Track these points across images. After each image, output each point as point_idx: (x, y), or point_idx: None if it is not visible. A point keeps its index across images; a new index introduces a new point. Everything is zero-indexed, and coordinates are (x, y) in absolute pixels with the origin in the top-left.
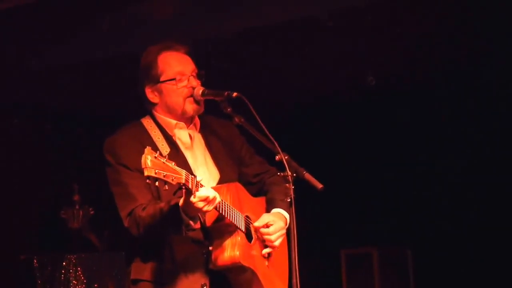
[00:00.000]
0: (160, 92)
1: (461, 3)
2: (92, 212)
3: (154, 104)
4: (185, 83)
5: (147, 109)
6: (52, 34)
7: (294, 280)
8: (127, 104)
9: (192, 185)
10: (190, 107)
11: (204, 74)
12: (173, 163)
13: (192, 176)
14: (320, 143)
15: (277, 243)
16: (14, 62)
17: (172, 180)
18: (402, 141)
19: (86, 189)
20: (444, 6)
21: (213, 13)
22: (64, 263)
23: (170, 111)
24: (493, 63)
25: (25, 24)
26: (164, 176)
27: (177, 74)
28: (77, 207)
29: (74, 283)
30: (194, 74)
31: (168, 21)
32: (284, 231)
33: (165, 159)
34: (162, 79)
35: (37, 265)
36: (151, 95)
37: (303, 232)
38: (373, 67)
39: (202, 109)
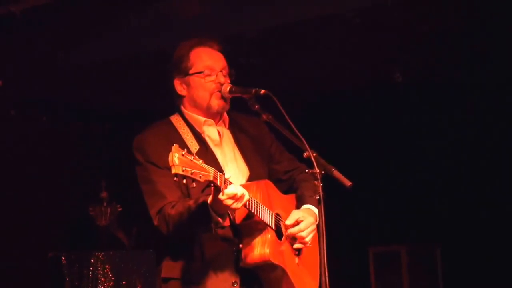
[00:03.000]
0: (188, 85)
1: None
2: (120, 209)
3: (182, 98)
4: (213, 78)
5: (175, 105)
6: (80, 32)
7: (323, 278)
8: (156, 101)
9: (220, 182)
10: (216, 103)
11: (234, 74)
12: (201, 161)
13: (220, 174)
14: (348, 140)
15: (308, 239)
16: (43, 60)
17: (200, 177)
18: (430, 138)
19: (114, 186)
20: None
21: (238, 12)
22: (92, 261)
23: (197, 106)
24: None
25: (54, 21)
26: (191, 173)
27: (206, 68)
28: (105, 204)
29: (102, 280)
30: (225, 72)
31: (194, 20)
32: (314, 226)
33: (192, 157)
34: (191, 71)
35: (65, 262)
36: (179, 87)
37: (332, 230)
38: (400, 64)
39: (228, 107)
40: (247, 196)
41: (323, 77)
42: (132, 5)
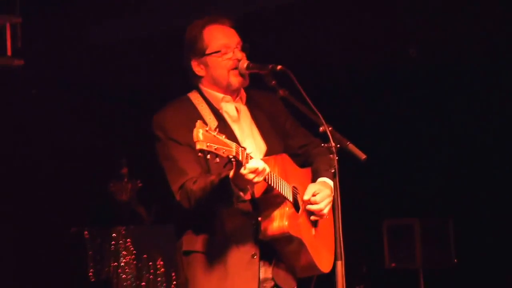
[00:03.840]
0: (206, 65)
1: None
2: (140, 185)
3: (200, 78)
4: (230, 55)
5: (193, 83)
6: (99, 12)
7: (338, 250)
8: (173, 80)
9: (242, 157)
10: (235, 80)
11: (249, 47)
12: (224, 136)
13: (242, 149)
14: (363, 115)
15: (326, 210)
16: (65, 40)
17: (223, 152)
18: (443, 115)
19: (134, 163)
20: None
21: None
22: (113, 235)
23: (216, 84)
24: None
25: (73, 2)
26: (215, 149)
27: (222, 47)
28: (125, 180)
29: (124, 253)
30: (239, 47)
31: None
32: (331, 198)
33: (216, 132)
34: (207, 52)
35: (87, 237)
36: (197, 68)
37: (347, 203)
38: (416, 41)
39: (247, 82)
40: (267, 170)
41: (337, 54)
42: None
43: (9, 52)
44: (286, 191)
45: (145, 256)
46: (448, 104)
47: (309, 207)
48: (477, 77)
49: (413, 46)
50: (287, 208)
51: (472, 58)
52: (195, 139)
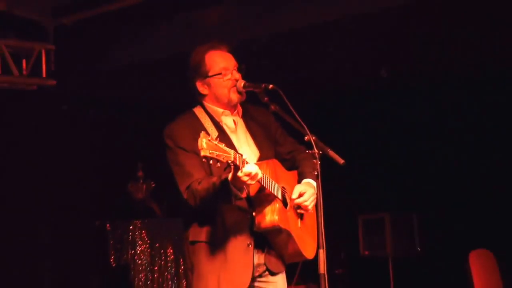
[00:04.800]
0: (209, 85)
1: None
2: (153, 185)
3: (204, 96)
4: (229, 76)
5: (197, 100)
6: (119, 38)
7: (320, 240)
8: (181, 96)
9: (239, 162)
10: (235, 96)
11: (244, 67)
12: (223, 145)
13: (239, 155)
14: (341, 127)
15: (310, 206)
16: (89, 63)
17: (223, 158)
18: (410, 123)
19: (148, 167)
20: (446, 12)
21: (249, 21)
22: (131, 227)
23: (218, 100)
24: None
25: (95, 30)
26: (216, 155)
27: (222, 69)
28: (141, 181)
29: (140, 243)
30: (236, 69)
31: (215, 26)
32: (314, 196)
33: (217, 141)
34: (210, 74)
35: (109, 229)
36: (201, 88)
37: (328, 200)
38: (386, 62)
39: (244, 98)
40: (260, 174)
41: (321, 75)
42: (163, 15)
43: (44, 74)
44: (276, 190)
45: (157, 245)
46: (412, 115)
47: (297, 201)
48: (437, 92)
49: (384, 68)
50: (277, 205)
51: (435, 78)
52: (199, 147)
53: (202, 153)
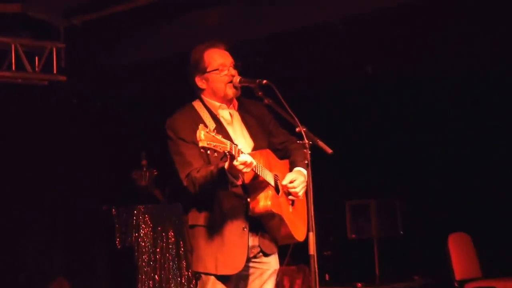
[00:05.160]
0: (207, 80)
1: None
2: (156, 173)
3: (202, 90)
4: (225, 72)
5: (196, 94)
6: (123, 38)
7: (310, 223)
8: (181, 91)
9: (235, 152)
10: (230, 91)
11: (240, 65)
12: (220, 136)
13: (235, 145)
14: (329, 119)
15: (301, 193)
16: (96, 61)
17: (220, 149)
18: (392, 119)
19: (151, 156)
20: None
21: (245, 22)
22: (135, 212)
23: (215, 94)
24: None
25: (100, 30)
26: (214, 146)
27: (219, 66)
28: (144, 169)
29: (143, 226)
30: (232, 65)
31: (213, 27)
32: (305, 183)
33: (214, 133)
34: (208, 70)
35: (115, 213)
36: (200, 82)
37: (317, 187)
38: (372, 60)
39: (239, 93)
40: (254, 163)
41: (312, 71)
42: (165, 16)
43: (55, 70)
44: (269, 178)
45: (159, 228)
46: (395, 109)
47: (288, 187)
48: (418, 89)
49: (369, 66)
50: (270, 191)
51: (416, 75)
52: (198, 139)
53: (200, 144)
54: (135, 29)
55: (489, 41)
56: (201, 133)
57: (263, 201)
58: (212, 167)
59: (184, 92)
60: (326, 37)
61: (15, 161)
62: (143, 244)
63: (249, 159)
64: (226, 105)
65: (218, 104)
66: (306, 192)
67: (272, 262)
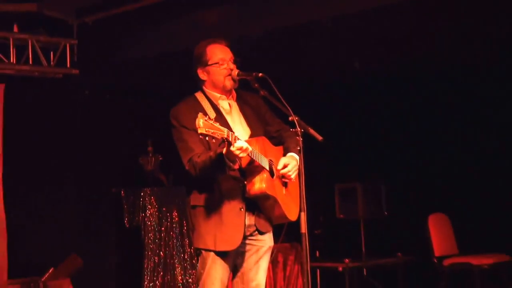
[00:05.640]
0: (208, 72)
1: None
2: (161, 159)
3: (203, 81)
4: (225, 66)
5: (198, 86)
6: (131, 35)
7: (302, 204)
8: (183, 83)
9: (231, 138)
10: (228, 83)
11: (239, 60)
12: (218, 124)
13: (232, 132)
14: (320, 109)
15: (293, 176)
16: (107, 55)
17: (218, 135)
18: (376, 109)
19: (157, 143)
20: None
21: (242, 21)
22: (142, 194)
23: (215, 86)
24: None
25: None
26: (212, 133)
27: (219, 60)
28: (150, 155)
29: (149, 207)
30: (232, 60)
31: (214, 25)
32: (297, 167)
33: (212, 121)
34: (209, 63)
35: (123, 195)
36: (202, 74)
37: (309, 171)
38: (359, 56)
39: (236, 85)
40: (250, 148)
41: (303, 65)
42: (169, 15)
43: (68, 65)
44: (264, 162)
45: (164, 209)
46: (379, 101)
47: (282, 171)
48: (401, 81)
49: (357, 61)
50: (265, 175)
51: (402, 71)
52: (197, 126)
53: (199, 131)
54: (141, 27)
55: (475, 36)
56: (200, 121)
57: (258, 184)
58: (211, 153)
59: (186, 84)
60: (316, 34)
61: (31, 147)
62: (149, 223)
63: (244, 145)
64: (226, 96)
65: (218, 95)
66: (298, 176)
67: (267, 240)
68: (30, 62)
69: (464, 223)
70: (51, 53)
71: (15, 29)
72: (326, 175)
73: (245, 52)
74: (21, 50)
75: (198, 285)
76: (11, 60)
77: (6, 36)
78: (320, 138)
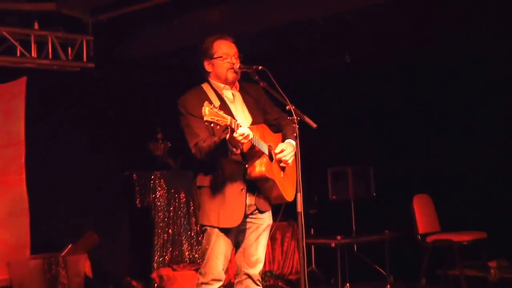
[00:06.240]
0: (212, 65)
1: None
2: (169, 145)
3: (208, 73)
4: (228, 60)
5: (204, 77)
6: (139, 32)
7: (298, 186)
8: (189, 76)
9: (234, 125)
10: (231, 75)
11: (242, 56)
12: (222, 112)
13: (234, 120)
14: (315, 99)
15: (290, 160)
16: (118, 51)
17: (222, 122)
18: (365, 100)
19: (165, 130)
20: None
21: (242, 19)
22: (152, 177)
23: (219, 77)
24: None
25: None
26: (216, 120)
27: (224, 54)
28: (160, 142)
29: (159, 189)
30: (236, 55)
31: (216, 23)
32: (293, 152)
33: (217, 109)
34: (214, 56)
35: (135, 178)
36: (207, 66)
37: (304, 156)
38: (350, 51)
39: (239, 77)
40: (251, 134)
41: (298, 59)
42: (176, 14)
43: (84, 59)
44: (264, 148)
45: (172, 190)
46: (367, 93)
47: (279, 155)
48: (387, 73)
49: (347, 55)
50: (264, 159)
51: (389, 64)
52: (203, 114)
53: (205, 118)
54: (151, 24)
55: (462, 28)
56: (205, 109)
57: (258, 167)
58: (215, 138)
59: (191, 77)
60: (309, 31)
61: (51, 134)
62: (158, 203)
63: (246, 131)
64: (229, 86)
65: (222, 85)
66: (295, 160)
67: (266, 218)
68: (50, 57)
69: (446, 203)
70: (69, 48)
71: (36, 26)
72: (319, 160)
73: (245, 47)
74: (41, 46)
75: (203, 260)
76: (32, 55)
77: (27, 33)
78: (314, 125)
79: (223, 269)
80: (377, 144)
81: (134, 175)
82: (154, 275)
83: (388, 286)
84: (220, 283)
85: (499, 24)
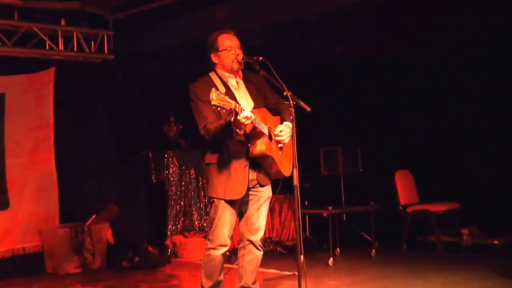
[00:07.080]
0: (219, 57)
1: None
2: (181, 127)
3: (215, 64)
4: (232, 52)
5: (211, 67)
6: (150, 27)
7: (294, 163)
8: (198, 66)
9: (238, 109)
10: (235, 65)
11: (244, 48)
12: (228, 97)
13: (238, 104)
14: (309, 86)
15: (287, 140)
16: (135, 45)
17: (227, 106)
18: (354, 88)
19: (178, 114)
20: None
21: (246, 15)
22: (166, 155)
23: (224, 67)
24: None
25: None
26: (222, 104)
27: (228, 47)
28: (172, 124)
29: (172, 166)
30: (238, 46)
31: (223, 19)
32: (290, 133)
33: (223, 95)
34: (220, 49)
35: (151, 156)
36: (214, 58)
37: (300, 136)
38: (339, 45)
39: (242, 67)
40: (253, 117)
41: (294, 51)
42: (187, 11)
43: (106, 51)
44: (264, 129)
45: (184, 167)
46: (357, 81)
47: (277, 136)
48: (373, 65)
49: (337, 48)
50: (265, 139)
51: (375, 56)
52: (210, 99)
53: (212, 103)
54: (165, 21)
55: (453, 20)
56: (213, 95)
57: (259, 146)
58: (222, 121)
59: (200, 67)
60: (303, 27)
61: (76, 119)
62: (171, 179)
63: (249, 114)
64: (234, 75)
65: (227, 74)
66: (292, 140)
67: (266, 191)
68: (75, 49)
69: (424, 178)
70: (92, 42)
71: (63, 22)
72: (313, 140)
73: (248, 40)
74: (67, 40)
75: (211, 228)
76: (60, 48)
77: (55, 28)
78: (308, 109)
79: (228, 236)
80: (364, 126)
81: (150, 154)
82: (168, 241)
83: (373, 251)
84: (226, 248)
85: (477, 18)
